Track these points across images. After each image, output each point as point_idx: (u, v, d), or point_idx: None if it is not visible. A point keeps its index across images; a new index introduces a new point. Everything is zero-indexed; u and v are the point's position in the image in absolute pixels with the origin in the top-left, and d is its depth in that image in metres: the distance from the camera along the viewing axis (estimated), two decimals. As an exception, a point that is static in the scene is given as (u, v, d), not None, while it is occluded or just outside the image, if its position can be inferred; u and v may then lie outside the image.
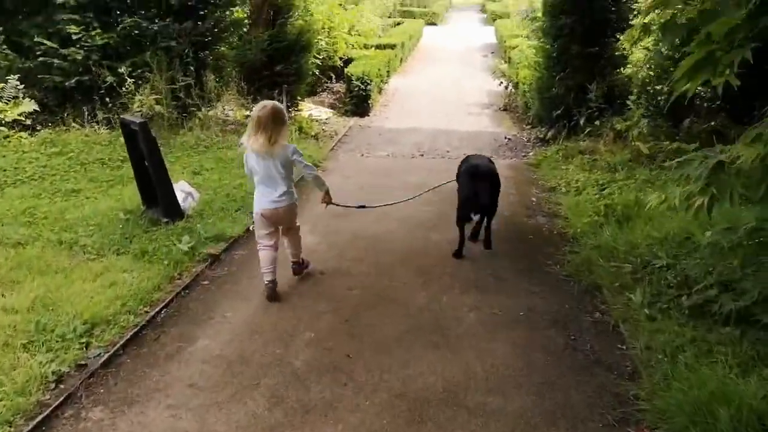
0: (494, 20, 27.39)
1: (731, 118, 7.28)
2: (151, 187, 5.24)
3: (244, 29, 8.85)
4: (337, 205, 4.57)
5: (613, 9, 7.95)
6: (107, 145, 7.65)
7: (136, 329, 3.65)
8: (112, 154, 7.28)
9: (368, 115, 10.96)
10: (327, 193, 4.34)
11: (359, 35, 14.82)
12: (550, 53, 8.46)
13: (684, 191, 2.91)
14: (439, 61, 17.96)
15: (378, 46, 14.88)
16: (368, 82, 10.60)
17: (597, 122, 7.70)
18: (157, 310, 3.88)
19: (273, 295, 4.09)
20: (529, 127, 9.64)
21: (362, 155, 8.41)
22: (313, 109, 10.87)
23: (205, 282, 4.36)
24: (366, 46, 14.69)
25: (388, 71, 12.72)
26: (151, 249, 4.65)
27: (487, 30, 25.27)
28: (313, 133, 9.20)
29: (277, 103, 4.07)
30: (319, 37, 11.69)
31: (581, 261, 4.55)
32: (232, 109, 9.26)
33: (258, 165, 3.98)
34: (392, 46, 15.04)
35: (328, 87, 12.56)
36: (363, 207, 4.98)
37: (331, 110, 11.11)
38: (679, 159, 3.23)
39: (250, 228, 5.37)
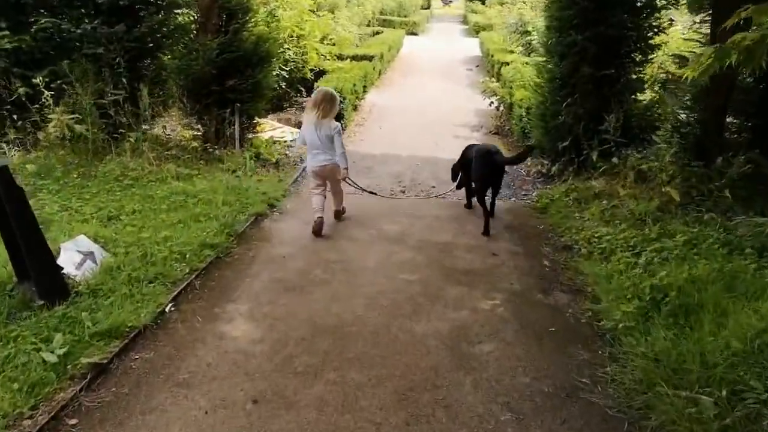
0: (477, 32, 26.37)
1: (765, 155, 6.08)
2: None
3: (191, 35, 7.33)
4: (352, 184, 6.13)
5: (630, 25, 6.66)
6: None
7: None
8: (9, 189, 5.70)
9: (340, 137, 9.52)
10: (346, 169, 5.50)
11: (333, 45, 13.43)
12: (555, 74, 7.13)
13: None
14: (421, 74, 16.65)
15: (354, 57, 13.50)
16: (341, 99, 9.17)
17: (615, 159, 6.38)
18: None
19: (319, 229, 5.28)
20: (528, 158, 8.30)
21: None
22: (276, 129, 9.41)
23: (74, 422, 2.84)
24: (341, 57, 13.32)
25: (364, 86, 11.33)
26: (2, 358, 3.12)
27: (469, 42, 24.14)
28: (273, 160, 7.73)
29: (330, 89, 5.67)
30: (286, 46, 10.26)
31: (633, 384, 3.16)
32: (174, 130, 7.74)
33: (310, 134, 5.35)
34: (370, 58, 13.66)
35: (296, 102, 11.10)
36: (374, 194, 6.49)
37: (299, 130, 9.64)
38: None
39: (167, 310, 3.88)
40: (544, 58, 7.53)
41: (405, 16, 29.01)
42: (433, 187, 7.21)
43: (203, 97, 7.21)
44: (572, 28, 6.72)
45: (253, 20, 7.47)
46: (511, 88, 9.99)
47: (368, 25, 22.09)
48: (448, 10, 47.03)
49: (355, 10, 19.58)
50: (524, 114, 8.52)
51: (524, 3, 16.61)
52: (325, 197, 5.48)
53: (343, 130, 9.66)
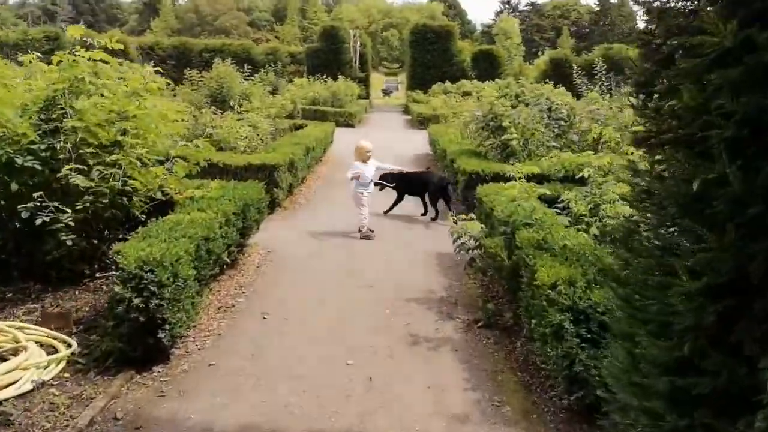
0: (422, 123, 22.71)
1: None
2: None
3: None
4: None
5: None
6: None
7: None
8: None
9: (166, 363, 4.38)
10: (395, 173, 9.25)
11: (211, 149, 8.61)
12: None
13: None
14: (354, 184, 11.97)
15: (246, 169, 8.69)
16: (154, 289, 4.10)
17: None
18: None
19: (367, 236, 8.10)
20: (584, 425, 3.39)
21: None
22: (19, 352, 4.20)
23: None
24: (225, 169, 8.52)
25: (242, 227, 6.34)
26: None
27: (414, 135, 20.20)
28: None
29: (361, 143, 8.52)
30: (70, 167, 5.27)
31: None
32: None
33: (364, 172, 8.07)
34: (270, 169, 8.86)
35: (107, 266, 5.97)
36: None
37: (72, 345, 4.47)
38: None
39: None
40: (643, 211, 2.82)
41: (340, 107, 25.08)
42: None
43: None
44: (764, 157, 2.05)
45: None
46: (510, 235, 5.26)
47: (289, 117, 17.66)
48: (388, 100, 44.43)
49: (267, 102, 15.07)
50: (569, 323, 3.70)
51: (489, 95, 12.56)
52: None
53: (172, 347, 4.53)
